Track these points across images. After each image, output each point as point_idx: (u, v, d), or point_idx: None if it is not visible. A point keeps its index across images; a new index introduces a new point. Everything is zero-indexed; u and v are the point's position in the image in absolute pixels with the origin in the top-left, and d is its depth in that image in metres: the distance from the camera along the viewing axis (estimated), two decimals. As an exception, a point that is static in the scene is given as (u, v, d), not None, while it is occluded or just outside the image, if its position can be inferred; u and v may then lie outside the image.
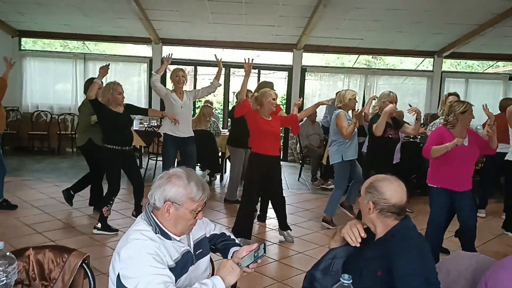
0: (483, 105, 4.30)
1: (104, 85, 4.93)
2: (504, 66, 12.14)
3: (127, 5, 7.46)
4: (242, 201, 4.71)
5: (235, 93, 5.52)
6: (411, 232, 1.91)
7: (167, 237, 1.80)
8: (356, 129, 5.12)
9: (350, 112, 5.27)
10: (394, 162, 5.13)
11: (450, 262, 2.08)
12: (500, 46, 9.25)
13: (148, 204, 1.84)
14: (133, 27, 8.98)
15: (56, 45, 12.67)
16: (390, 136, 4.74)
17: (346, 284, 1.44)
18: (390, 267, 1.77)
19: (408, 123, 5.08)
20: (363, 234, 1.88)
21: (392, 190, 1.91)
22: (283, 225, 4.79)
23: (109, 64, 4.79)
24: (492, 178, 6.25)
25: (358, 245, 1.87)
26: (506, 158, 5.15)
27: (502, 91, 10.03)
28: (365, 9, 7.41)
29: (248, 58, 4.63)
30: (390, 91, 4.84)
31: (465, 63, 15.04)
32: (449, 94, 4.83)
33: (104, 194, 5.02)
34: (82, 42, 10.80)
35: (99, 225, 4.67)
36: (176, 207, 1.77)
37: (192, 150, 5.51)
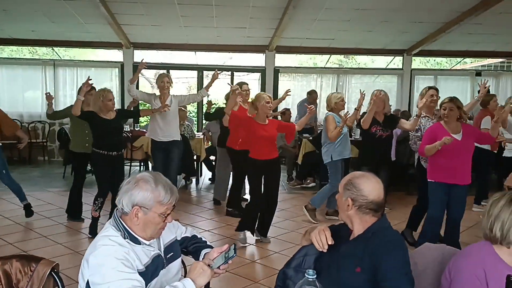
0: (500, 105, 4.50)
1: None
2: (471, 62, 12.51)
3: (96, 10, 7.36)
4: (250, 205, 4.80)
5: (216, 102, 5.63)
6: (390, 230, 1.95)
7: (136, 241, 1.79)
8: (347, 130, 5.36)
9: (342, 112, 5.38)
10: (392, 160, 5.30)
11: (417, 254, 2.13)
12: (466, 43, 9.51)
13: (116, 209, 1.83)
14: (103, 32, 8.87)
15: (24, 52, 12.42)
16: (376, 132, 4.88)
17: (311, 279, 1.47)
18: (371, 263, 1.80)
19: (405, 119, 5.19)
20: (331, 242, 1.89)
21: (370, 187, 1.94)
22: (264, 231, 4.77)
23: (90, 79, 4.81)
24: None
25: (325, 251, 1.89)
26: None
27: (469, 87, 10.31)
28: (334, 9, 7.51)
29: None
30: (380, 90, 5.04)
31: (434, 61, 15.44)
32: (429, 88, 4.89)
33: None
34: (51, 48, 10.60)
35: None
36: (144, 211, 1.76)
37: (174, 155, 5.51)
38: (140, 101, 6.49)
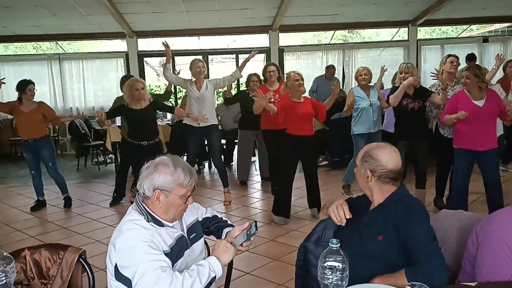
0: None
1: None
2: (477, 29, 12.31)
3: (97, 0, 7.34)
4: (280, 182, 4.92)
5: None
6: (411, 198, 1.98)
7: (160, 224, 1.83)
8: (367, 104, 5.26)
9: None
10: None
11: (435, 221, 2.15)
12: (471, 9, 9.33)
13: (138, 194, 1.87)
14: (105, 23, 8.85)
15: (28, 47, 12.47)
16: (408, 104, 4.69)
17: (335, 248, 1.50)
18: (394, 231, 1.84)
19: (437, 93, 4.90)
20: (348, 216, 1.92)
21: (388, 156, 1.96)
22: (312, 202, 4.92)
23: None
24: None
25: (343, 224, 1.93)
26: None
27: (477, 54, 10.14)
28: (336, -16, 7.41)
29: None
30: (406, 63, 4.89)
31: (440, 30, 15.20)
32: (449, 56, 4.95)
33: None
34: (55, 42, 10.61)
35: None
36: (165, 194, 1.80)
37: (212, 139, 5.52)
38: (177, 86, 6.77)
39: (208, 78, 9.88)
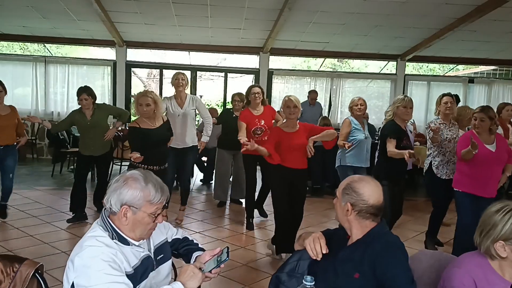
0: None
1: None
2: (464, 69, 12.58)
3: (89, 7, 7.27)
4: (275, 218, 4.40)
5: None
6: (390, 235, 1.91)
7: (125, 242, 1.72)
8: (363, 137, 4.98)
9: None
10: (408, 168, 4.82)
11: (414, 261, 2.07)
12: (459, 50, 9.54)
13: (104, 209, 1.76)
14: (95, 30, 8.77)
15: (15, 48, 12.27)
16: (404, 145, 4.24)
17: (309, 286, 1.40)
18: (371, 269, 1.76)
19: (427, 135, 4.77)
20: (325, 250, 1.84)
21: (370, 190, 1.88)
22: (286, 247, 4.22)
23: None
24: None
25: (319, 259, 1.84)
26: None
27: (462, 94, 10.33)
28: (329, 12, 7.48)
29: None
30: (405, 96, 4.36)
31: (427, 67, 15.52)
32: (443, 95, 4.70)
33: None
34: (42, 45, 10.46)
35: None
36: (133, 210, 1.69)
37: (187, 160, 5.18)
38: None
39: (195, 94, 9.96)
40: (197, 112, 5.50)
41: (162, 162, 4.45)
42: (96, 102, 5.25)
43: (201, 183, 7.84)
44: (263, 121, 5.19)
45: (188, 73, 10.41)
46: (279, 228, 4.26)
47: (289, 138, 4.08)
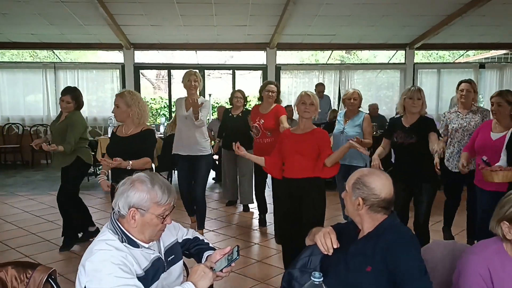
0: None
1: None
2: (474, 55, 12.38)
3: (95, 11, 7.31)
4: (276, 238, 4.30)
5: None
6: (401, 227, 1.89)
7: (135, 245, 1.72)
8: (339, 131, 4.68)
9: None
10: None
11: (427, 252, 2.05)
12: (469, 35, 9.39)
13: (113, 212, 1.77)
14: (102, 34, 8.82)
15: (25, 55, 12.41)
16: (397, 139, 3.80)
17: (317, 282, 1.39)
18: (383, 262, 1.74)
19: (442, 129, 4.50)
20: (336, 245, 1.83)
21: (381, 184, 1.86)
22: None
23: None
24: None
25: (330, 254, 1.83)
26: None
27: (474, 80, 10.16)
28: (335, 4, 7.42)
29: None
30: (412, 86, 3.79)
31: (437, 54, 15.31)
32: (460, 82, 4.35)
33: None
34: (51, 51, 10.56)
35: None
36: (141, 213, 1.70)
37: (199, 168, 4.58)
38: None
39: (204, 93, 9.96)
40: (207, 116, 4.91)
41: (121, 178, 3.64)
42: (79, 111, 4.52)
43: (213, 181, 7.85)
44: (262, 120, 4.77)
45: (195, 71, 10.41)
46: (283, 251, 3.68)
47: (293, 140, 3.41)
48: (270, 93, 4.81)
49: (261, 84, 5.13)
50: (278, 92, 4.90)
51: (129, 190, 1.70)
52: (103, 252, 1.64)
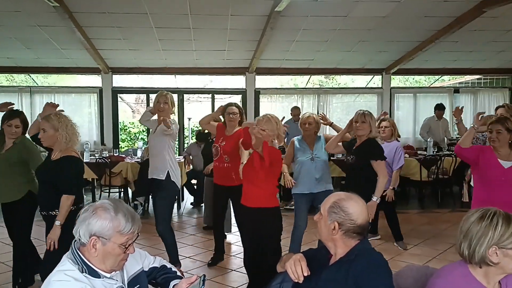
0: None
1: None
2: (449, 80, 12.69)
3: (72, 35, 7.27)
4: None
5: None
6: (373, 252, 1.87)
7: (96, 275, 1.66)
8: (308, 158, 4.35)
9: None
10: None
11: (399, 277, 2.03)
12: (443, 61, 9.64)
13: (74, 241, 1.70)
14: (80, 58, 8.76)
15: (1, 79, 12.23)
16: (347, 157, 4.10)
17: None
18: (356, 287, 1.71)
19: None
20: (306, 273, 1.79)
21: (359, 210, 1.85)
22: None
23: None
24: None
25: (300, 282, 1.79)
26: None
27: (448, 104, 10.41)
28: (312, 30, 7.54)
29: None
30: (359, 110, 4.01)
31: (413, 79, 15.65)
32: (498, 107, 4.16)
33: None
34: (28, 75, 10.44)
35: None
36: (103, 241, 1.64)
37: (154, 200, 4.44)
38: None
39: (183, 117, 9.93)
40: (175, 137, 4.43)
41: (45, 207, 3.25)
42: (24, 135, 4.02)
43: (191, 206, 7.74)
44: (224, 142, 4.48)
45: (175, 97, 10.35)
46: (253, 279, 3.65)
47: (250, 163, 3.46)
48: (231, 115, 4.49)
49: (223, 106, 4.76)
50: (241, 113, 4.59)
51: (90, 217, 1.64)
52: (61, 283, 1.57)
